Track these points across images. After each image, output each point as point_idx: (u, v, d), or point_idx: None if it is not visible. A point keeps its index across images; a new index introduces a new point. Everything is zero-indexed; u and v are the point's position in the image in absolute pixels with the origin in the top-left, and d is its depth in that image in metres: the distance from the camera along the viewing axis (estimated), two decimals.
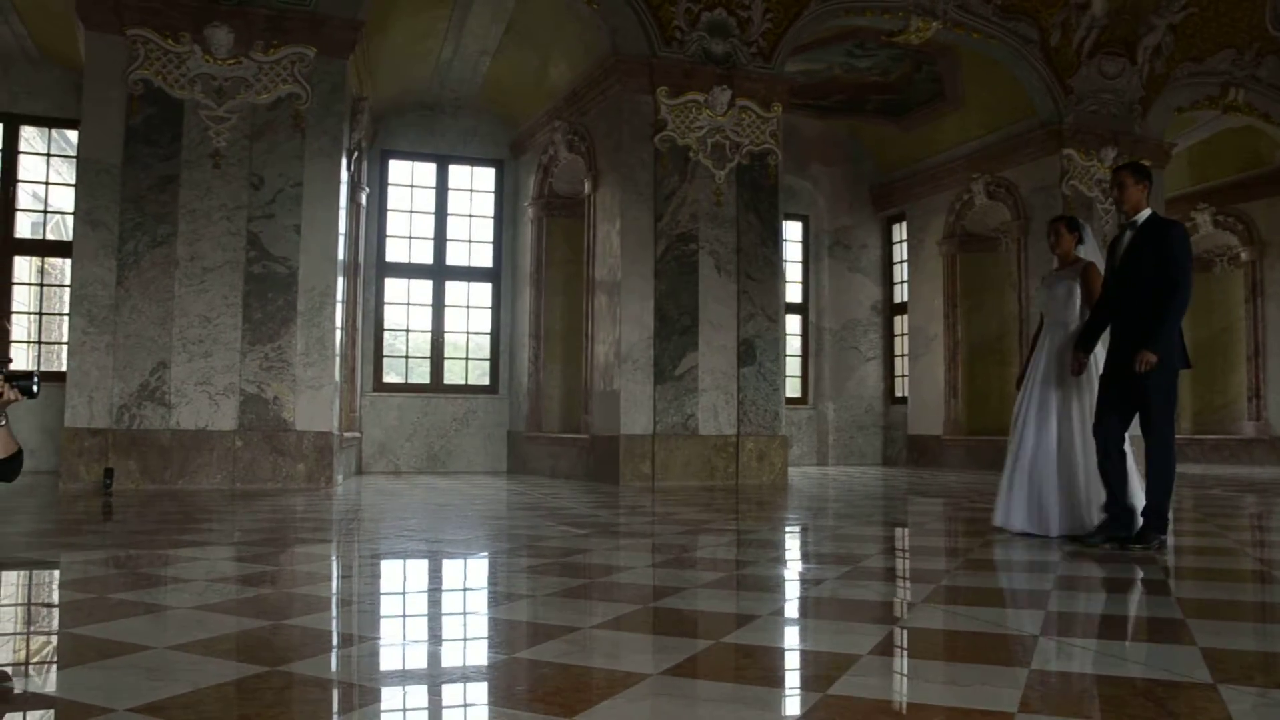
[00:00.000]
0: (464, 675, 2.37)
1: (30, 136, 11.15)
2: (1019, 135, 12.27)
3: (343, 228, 9.12)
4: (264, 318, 8.51)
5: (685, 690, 2.26)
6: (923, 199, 13.84)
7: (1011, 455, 5.37)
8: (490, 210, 12.42)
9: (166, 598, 3.35)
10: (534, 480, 10.31)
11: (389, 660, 2.63)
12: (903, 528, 6.30)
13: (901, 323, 14.53)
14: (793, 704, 2.15)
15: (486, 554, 4.65)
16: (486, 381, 12.32)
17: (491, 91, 11.73)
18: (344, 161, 9.08)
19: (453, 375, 12.22)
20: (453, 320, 12.21)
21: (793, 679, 2.44)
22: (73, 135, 11.30)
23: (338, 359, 8.91)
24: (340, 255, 9.02)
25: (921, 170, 13.76)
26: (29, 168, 11.01)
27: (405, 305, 12.04)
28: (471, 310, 12.30)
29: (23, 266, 11.87)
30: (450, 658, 2.59)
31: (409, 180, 12.12)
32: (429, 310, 12.05)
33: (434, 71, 11.26)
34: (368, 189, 11.16)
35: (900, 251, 14.63)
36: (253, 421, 8.46)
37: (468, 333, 12.34)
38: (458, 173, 12.30)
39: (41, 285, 11.94)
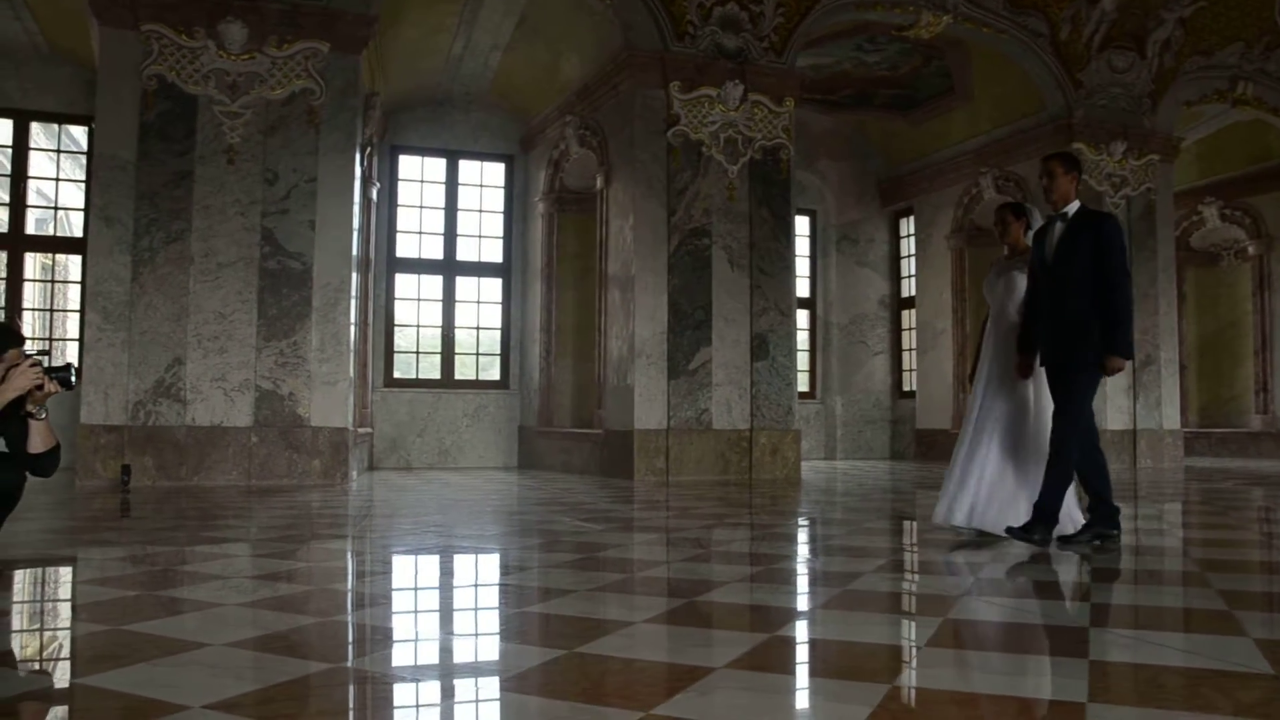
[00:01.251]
0: (529, 671, 2.37)
1: (36, 132, 11.10)
2: (1028, 130, 12.27)
3: (356, 223, 9.10)
4: (279, 314, 8.50)
5: (754, 683, 2.27)
6: (930, 193, 13.85)
7: (963, 452, 5.07)
8: (500, 205, 12.41)
9: (209, 594, 3.35)
10: (546, 475, 10.31)
11: (447, 656, 2.62)
12: (925, 521, 6.30)
13: (909, 317, 14.54)
14: (862, 695, 2.15)
15: (518, 549, 4.65)
16: (497, 377, 12.32)
17: (502, 86, 11.71)
18: (357, 157, 9.06)
19: (463, 370, 12.22)
20: (463, 315, 12.21)
21: (856, 670, 2.44)
22: (76, 131, 11.28)
23: (352, 355, 8.91)
24: (354, 251, 9.01)
25: (929, 165, 13.76)
26: (35, 164, 10.97)
27: (416, 301, 12.03)
28: (482, 305, 12.30)
29: (28, 262, 11.82)
30: (511, 654, 2.59)
31: (419, 175, 12.10)
32: (439, 305, 12.04)
33: (445, 66, 11.24)
34: (378, 184, 11.15)
35: (907, 246, 14.64)
36: (268, 418, 8.45)
37: (478, 328, 12.33)
38: (467, 168, 12.28)
39: (52, 281, 11.90)
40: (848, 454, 14.31)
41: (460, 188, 12.21)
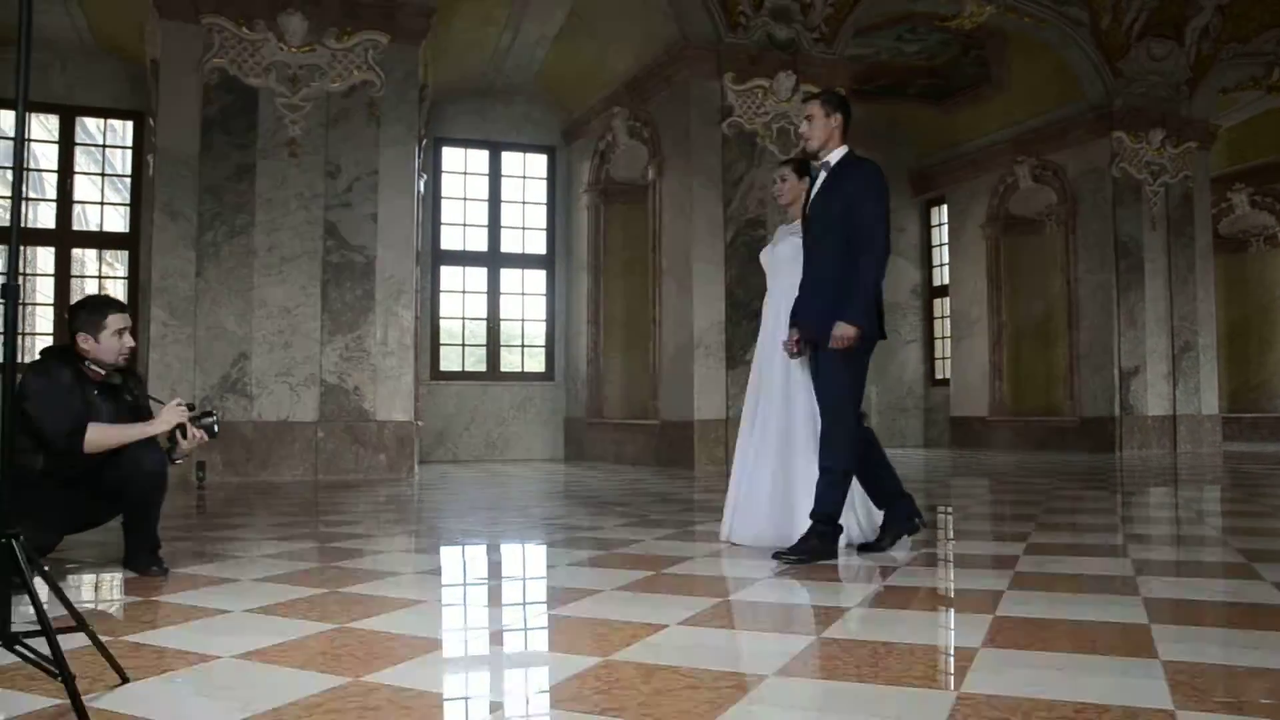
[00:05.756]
0: (802, 654, 2.39)
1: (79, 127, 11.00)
2: (1066, 118, 12.33)
3: (417, 216, 9.09)
4: (343, 308, 8.48)
5: (1028, 661, 2.29)
6: (964, 182, 13.90)
7: (739, 454, 4.34)
8: (543, 197, 12.40)
9: (411, 590, 3.34)
10: (605, 467, 10.32)
11: (710, 649, 2.58)
12: (1032, 504, 6.33)
13: (941, 305, 14.62)
14: (1142, 670, 2.18)
15: (658, 540, 4.63)
16: (543, 368, 12.32)
17: (546, 78, 11.69)
18: (416, 149, 9.04)
19: (509, 362, 12.21)
20: (508, 307, 12.20)
21: (1110, 646, 2.46)
22: (117, 126, 11.18)
23: (413, 348, 8.90)
24: (415, 243, 8.99)
25: (963, 154, 13.82)
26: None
27: (461, 293, 12.01)
28: (526, 297, 12.29)
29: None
30: (774, 642, 2.60)
31: (462, 167, 12.08)
32: (484, 298, 12.03)
33: (491, 58, 11.22)
34: (424, 176, 11.11)
35: (939, 235, 14.71)
36: (333, 412, 8.43)
37: (523, 320, 12.33)
38: (510, 159, 12.26)
39: (100, 277, 11.80)
40: (882, 442, 14.31)
41: (503, 179, 12.19)
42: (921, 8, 10.92)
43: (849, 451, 3.85)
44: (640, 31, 10.23)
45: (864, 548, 4.05)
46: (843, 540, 3.98)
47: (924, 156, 14.52)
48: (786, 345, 4.10)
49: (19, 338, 11.16)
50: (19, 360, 10.43)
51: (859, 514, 4.16)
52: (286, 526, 5.13)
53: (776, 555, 3.81)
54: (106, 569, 3.71)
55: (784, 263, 4.28)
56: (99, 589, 3.41)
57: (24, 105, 1.90)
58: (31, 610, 1.93)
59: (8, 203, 11.08)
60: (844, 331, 3.73)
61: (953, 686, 2.08)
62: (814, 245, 3.96)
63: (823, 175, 3.98)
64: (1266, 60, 12.40)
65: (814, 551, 3.78)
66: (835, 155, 3.95)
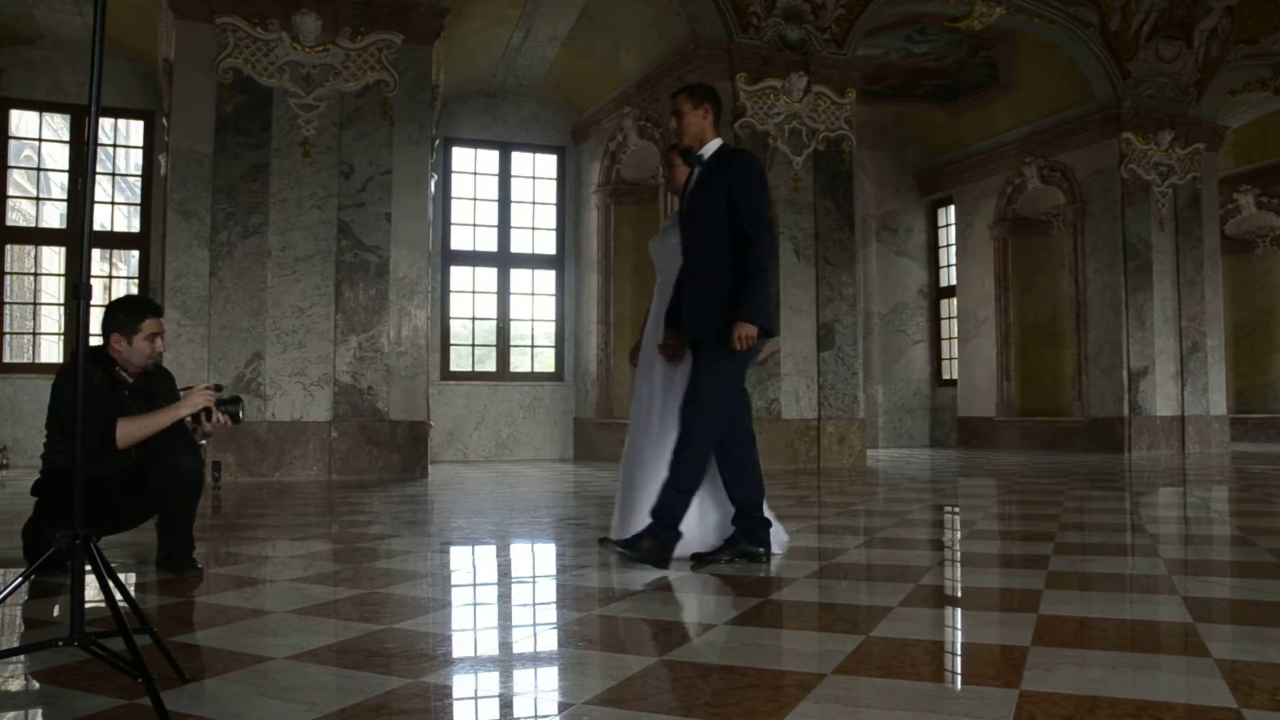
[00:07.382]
0: (852, 654, 2.40)
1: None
2: (1075, 119, 12.35)
3: (430, 216, 9.09)
4: (356, 307, 8.49)
5: (1081, 659, 2.30)
6: (971, 183, 13.92)
7: (625, 451, 4.18)
8: (552, 197, 12.40)
9: (433, 590, 3.35)
10: (616, 467, 10.31)
11: (763, 649, 2.62)
12: (1050, 504, 6.35)
13: (948, 306, 14.63)
14: (1198, 668, 2.19)
15: None
16: (552, 369, 12.32)
17: (555, 78, 11.69)
18: (430, 149, 9.05)
19: (518, 363, 12.21)
20: (517, 307, 12.20)
21: (1159, 644, 2.48)
22: (125, 126, 11.18)
23: (426, 348, 8.90)
24: (428, 243, 8.99)
25: (971, 155, 13.83)
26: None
27: (470, 293, 12.01)
28: (536, 297, 12.29)
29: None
30: (819, 643, 2.61)
31: (472, 168, 12.07)
32: (494, 298, 12.03)
33: (501, 58, 11.21)
34: (435, 176, 11.11)
35: (946, 235, 14.72)
36: (347, 412, 8.43)
37: (532, 320, 12.33)
38: (519, 159, 12.26)
39: (119, 276, 11.80)
40: (889, 442, 14.39)
41: (513, 179, 12.19)
42: (931, 8, 10.94)
43: (703, 467, 3.70)
44: (652, 31, 10.23)
45: (698, 557, 3.76)
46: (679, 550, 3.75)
47: (932, 157, 14.54)
48: (662, 350, 3.94)
49: (29, 338, 11.16)
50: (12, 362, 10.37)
51: (701, 516, 3.88)
52: (308, 527, 5.13)
53: (603, 541, 3.77)
54: (141, 570, 3.71)
55: (673, 254, 4.02)
56: (135, 590, 3.41)
57: (96, 107, 1.91)
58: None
59: (13, 203, 11.07)
60: (746, 331, 3.56)
61: (1012, 684, 2.09)
62: (692, 241, 3.81)
63: (697, 170, 3.85)
64: (1275, 61, 12.43)
65: (645, 552, 3.63)
66: (710, 148, 3.86)
